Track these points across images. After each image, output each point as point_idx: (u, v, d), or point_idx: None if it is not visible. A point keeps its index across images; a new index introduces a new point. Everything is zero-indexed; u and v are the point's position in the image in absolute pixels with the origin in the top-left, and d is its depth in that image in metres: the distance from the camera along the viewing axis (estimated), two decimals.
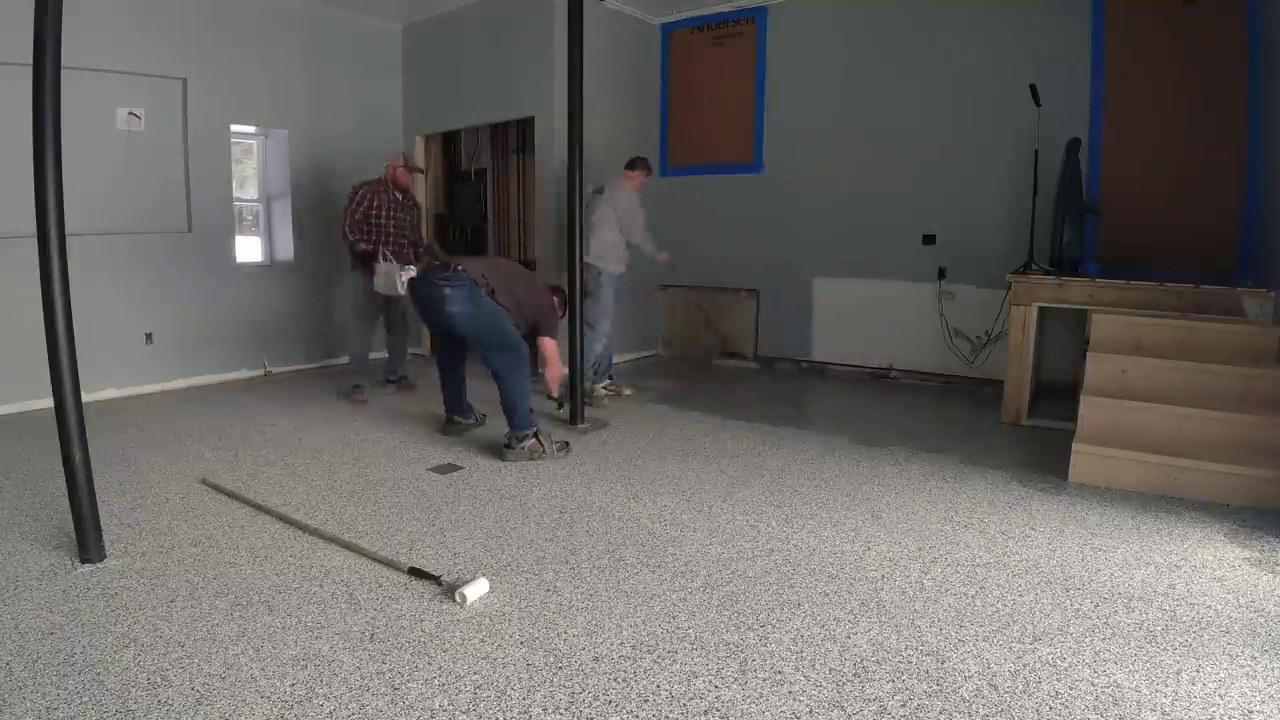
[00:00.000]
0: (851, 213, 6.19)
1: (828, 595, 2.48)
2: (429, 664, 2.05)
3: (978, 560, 2.77)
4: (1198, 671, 2.04)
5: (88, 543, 2.65)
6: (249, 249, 6.44)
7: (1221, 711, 1.86)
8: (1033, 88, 4.85)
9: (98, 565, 2.64)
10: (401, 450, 4.11)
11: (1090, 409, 3.82)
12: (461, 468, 3.82)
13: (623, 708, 1.86)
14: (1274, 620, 2.33)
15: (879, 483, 3.65)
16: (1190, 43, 4.95)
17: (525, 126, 6.96)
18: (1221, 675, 2.02)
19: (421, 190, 7.10)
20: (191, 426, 4.57)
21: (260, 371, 6.08)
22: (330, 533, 2.95)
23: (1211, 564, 2.75)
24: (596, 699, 1.90)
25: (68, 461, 2.57)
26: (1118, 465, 3.61)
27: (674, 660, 2.08)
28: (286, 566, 2.67)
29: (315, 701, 1.88)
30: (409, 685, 1.95)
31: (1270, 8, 4.56)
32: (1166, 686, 1.97)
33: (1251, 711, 1.87)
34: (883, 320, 6.14)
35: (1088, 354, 4.03)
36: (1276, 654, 2.14)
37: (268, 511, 3.18)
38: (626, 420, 4.80)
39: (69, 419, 2.55)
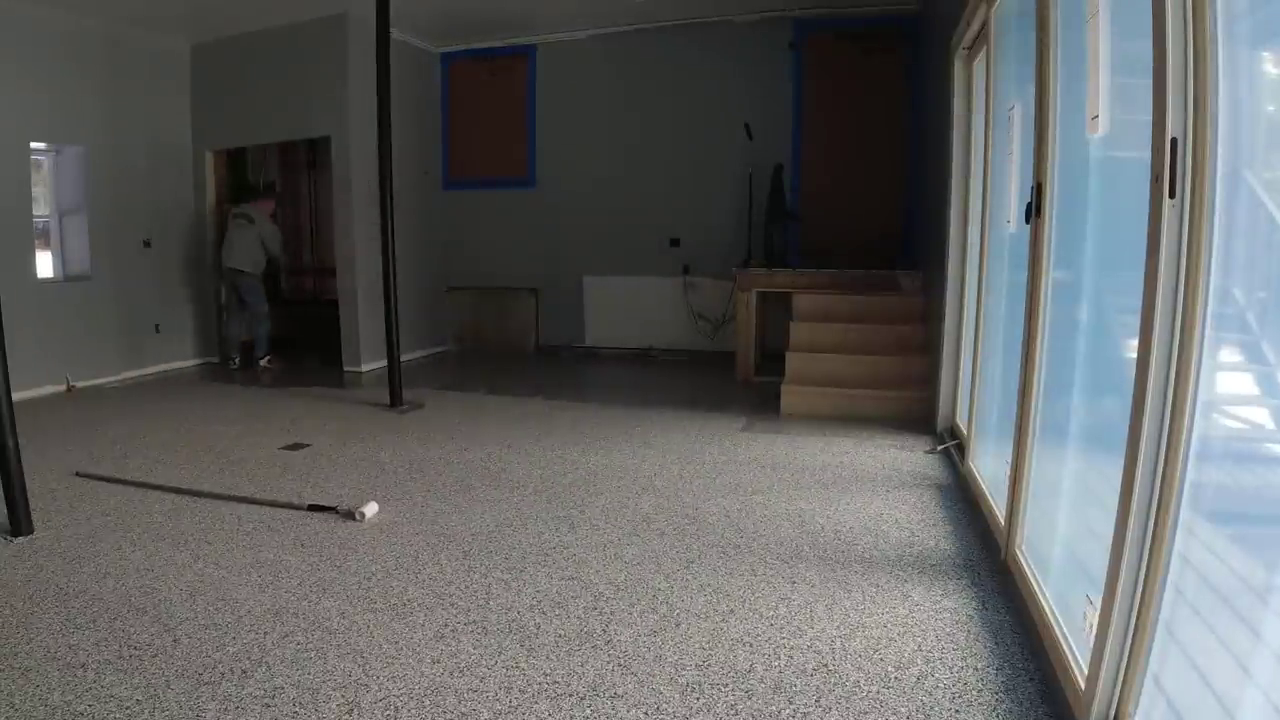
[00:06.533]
0: (612, 220, 7.50)
1: (621, 485, 3.63)
2: (354, 553, 2.89)
3: (716, 460, 4.06)
4: (852, 499, 3.42)
5: (19, 517, 3.07)
6: (41, 264, 6.43)
7: (864, 516, 3.22)
8: (746, 126, 6.35)
9: (31, 537, 3.06)
10: (246, 436, 4.66)
11: (793, 361, 5.32)
12: (310, 445, 4.49)
13: (502, 554, 2.85)
14: (903, 474, 3.82)
15: (647, 425, 4.88)
16: (866, 86, 6.66)
17: (315, 142, 7.45)
18: (866, 499, 3.42)
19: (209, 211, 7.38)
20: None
21: (63, 387, 6.14)
22: (225, 493, 3.56)
23: (871, 450, 4.24)
24: (482, 551, 2.88)
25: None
26: (813, 398, 5.11)
27: (526, 528, 3.11)
28: (200, 518, 3.27)
29: (280, 583, 2.65)
30: (347, 564, 2.79)
31: (923, 58, 6.20)
32: (831, 508, 3.31)
33: (881, 515, 3.23)
34: (642, 309, 7.53)
35: (791, 323, 5.54)
36: (899, 487, 3.59)
37: (158, 487, 3.67)
38: (438, 402, 5.68)
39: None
